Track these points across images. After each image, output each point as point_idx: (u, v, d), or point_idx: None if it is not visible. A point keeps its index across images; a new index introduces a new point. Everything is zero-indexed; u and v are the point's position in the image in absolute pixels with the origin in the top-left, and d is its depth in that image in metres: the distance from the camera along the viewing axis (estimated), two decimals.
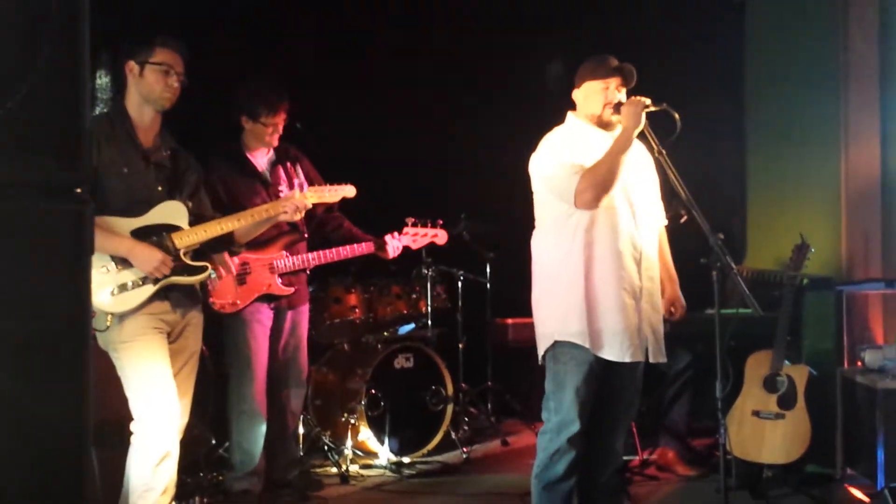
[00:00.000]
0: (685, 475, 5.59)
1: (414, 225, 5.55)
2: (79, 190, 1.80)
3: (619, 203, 3.95)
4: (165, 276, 3.96)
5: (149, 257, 3.91)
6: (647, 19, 7.09)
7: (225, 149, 5.22)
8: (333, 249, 5.32)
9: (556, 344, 3.95)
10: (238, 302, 5.06)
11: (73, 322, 1.81)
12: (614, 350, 3.91)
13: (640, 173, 4.10)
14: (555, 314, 3.97)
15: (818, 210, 6.57)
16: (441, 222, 5.64)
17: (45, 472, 1.80)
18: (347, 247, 5.35)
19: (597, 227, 3.91)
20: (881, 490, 4.94)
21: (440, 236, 5.64)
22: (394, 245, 5.44)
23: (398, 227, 5.55)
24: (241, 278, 5.06)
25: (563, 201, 3.90)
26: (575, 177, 3.83)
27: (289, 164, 5.33)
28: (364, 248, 5.40)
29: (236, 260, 4.86)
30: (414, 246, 5.61)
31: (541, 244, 4.09)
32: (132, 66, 4.04)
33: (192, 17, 5.78)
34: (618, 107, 3.96)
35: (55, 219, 1.77)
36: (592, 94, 4.01)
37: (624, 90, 4.01)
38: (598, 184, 3.81)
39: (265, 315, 5.18)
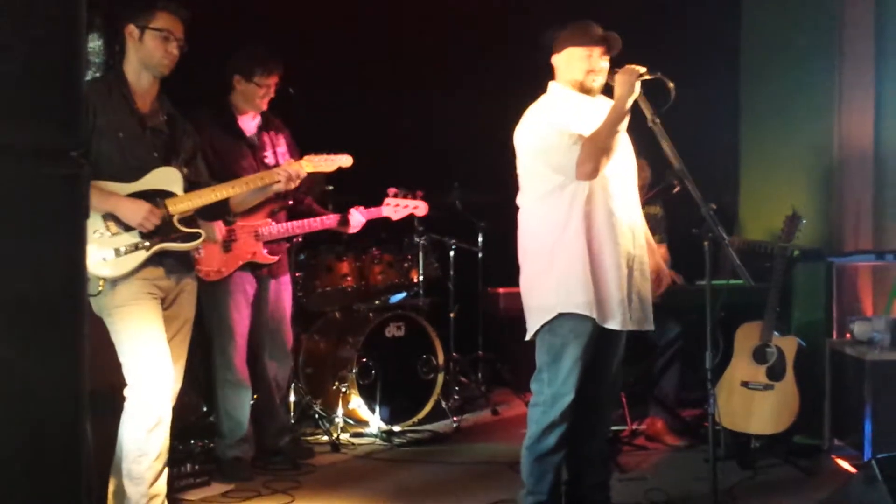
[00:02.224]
0: (674, 445, 5.62)
1: (395, 196, 5.58)
2: (74, 153, 1.79)
3: (612, 173, 3.95)
4: (159, 242, 3.95)
5: (136, 211, 3.88)
6: None
7: (215, 110, 5.16)
8: (308, 220, 5.30)
9: (558, 316, 3.95)
10: (223, 270, 5.04)
11: (69, 286, 1.80)
12: (617, 319, 3.93)
13: (625, 152, 4.11)
14: (556, 286, 3.94)
15: (810, 182, 6.59)
16: (421, 193, 5.68)
17: (40, 438, 1.79)
18: (318, 218, 5.34)
19: (594, 197, 3.91)
20: (868, 461, 4.97)
21: (420, 208, 5.68)
22: (356, 219, 5.44)
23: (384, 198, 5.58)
24: (227, 245, 5.03)
25: (559, 173, 3.89)
26: (574, 147, 3.81)
27: (272, 132, 5.31)
28: (333, 220, 5.40)
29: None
30: (394, 217, 5.65)
31: (533, 217, 4.06)
32: (132, 29, 4.00)
33: None
34: (612, 74, 3.95)
35: (50, 183, 1.76)
36: (575, 61, 4.00)
37: (607, 58, 4.00)
38: (598, 153, 3.80)
39: (249, 284, 5.16)
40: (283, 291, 5.37)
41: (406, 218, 5.78)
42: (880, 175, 6.37)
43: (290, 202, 5.33)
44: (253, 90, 5.11)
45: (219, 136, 5.07)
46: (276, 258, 5.19)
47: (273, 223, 5.17)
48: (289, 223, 5.23)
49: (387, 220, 5.69)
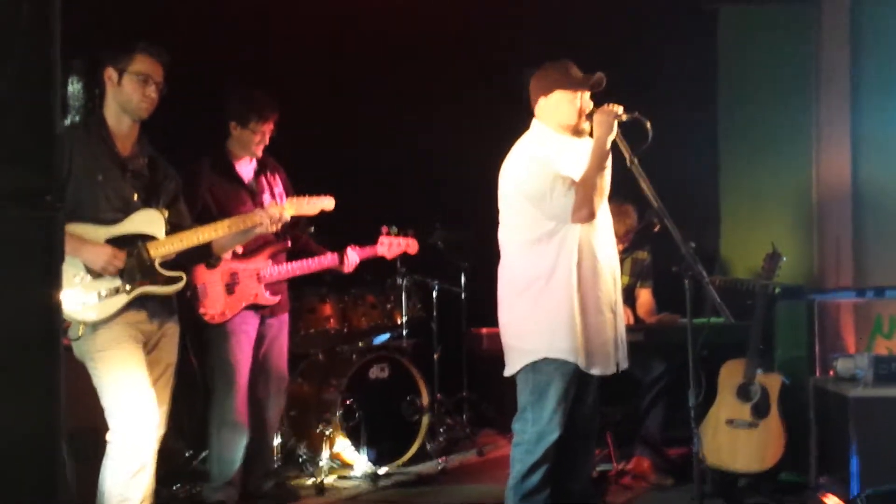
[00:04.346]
0: (660, 484, 5.60)
1: (388, 234, 5.61)
2: (49, 197, 1.79)
3: (597, 219, 3.98)
4: (140, 286, 3.94)
5: (97, 255, 3.85)
6: (619, 28, 7.12)
7: (212, 157, 5.19)
8: (307, 260, 5.35)
9: (543, 359, 3.94)
10: (227, 312, 5.05)
11: (43, 329, 1.79)
12: (601, 365, 3.94)
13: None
14: (542, 331, 3.94)
15: (790, 219, 6.64)
16: (413, 232, 5.70)
17: (14, 483, 1.77)
18: (316, 259, 5.39)
19: (581, 242, 3.93)
20: (854, 498, 4.96)
21: (412, 246, 5.73)
22: (352, 259, 5.48)
23: (373, 236, 5.58)
24: (230, 288, 5.07)
25: (553, 220, 3.89)
26: (570, 193, 3.83)
27: (269, 174, 5.35)
28: (331, 260, 5.43)
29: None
30: (388, 255, 5.68)
31: (520, 258, 4.04)
32: (111, 73, 4.01)
33: (169, 23, 5.76)
34: (590, 115, 3.97)
35: (25, 225, 1.76)
36: (564, 104, 4.02)
37: (588, 94, 4.03)
38: (592, 197, 3.83)
39: (251, 325, 5.18)
40: (282, 330, 5.41)
41: (389, 259, 5.82)
42: (859, 212, 6.42)
43: (289, 244, 5.35)
44: (248, 137, 5.14)
45: (218, 182, 5.12)
46: (277, 299, 5.22)
47: (274, 265, 5.20)
48: (289, 264, 5.28)
49: (369, 260, 5.71)
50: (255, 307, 5.17)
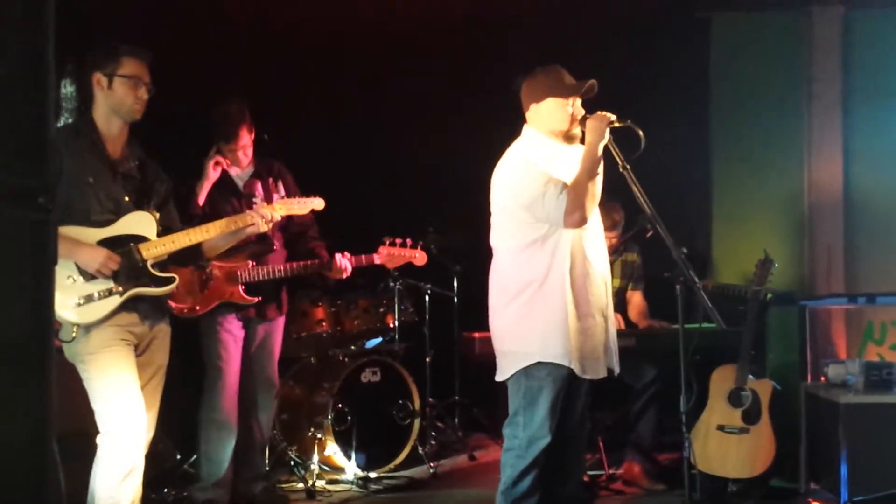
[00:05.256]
0: (651, 489, 5.61)
1: (391, 244, 5.51)
2: (42, 199, 1.77)
3: (589, 225, 3.99)
4: (133, 287, 3.93)
5: (91, 256, 3.85)
6: (612, 35, 7.13)
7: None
8: (288, 265, 5.29)
9: (535, 364, 3.94)
10: (198, 308, 5.08)
11: (35, 333, 1.77)
12: (591, 370, 3.96)
13: None
14: (535, 335, 3.95)
15: (782, 226, 6.66)
16: (421, 244, 5.64)
17: (5, 488, 1.76)
18: (301, 262, 5.31)
19: (573, 247, 3.94)
20: None
21: (419, 258, 5.62)
22: (342, 265, 5.34)
23: (370, 242, 5.55)
24: (203, 284, 5.07)
25: (545, 223, 3.90)
26: (562, 198, 3.84)
27: (270, 180, 5.36)
28: (315, 265, 5.33)
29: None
30: (390, 265, 5.62)
31: (512, 262, 4.04)
32: (99, 77, 3.99)
33: (165, 27, 5.76)
34: (583, 121, 3.98)
35: (17, 227, 1.74)
36: (557, 111, 4.02)
37: (580, 101, 4.04)
38: (583, 201, 3.84)
39: (235, 326, 5.20)
40: (273, 334, 5.41)
41: (387, 268, 5.75)
42: (851, 219, 6.45)
43: (275, 247, 5.32)
44: (225, 154, 5.20)
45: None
46: (254, 299, 5.19)
47: (254, 266, 5.18)
48: (270, 266, 5.22)
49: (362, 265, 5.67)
50: (236, 308, 5.18)
